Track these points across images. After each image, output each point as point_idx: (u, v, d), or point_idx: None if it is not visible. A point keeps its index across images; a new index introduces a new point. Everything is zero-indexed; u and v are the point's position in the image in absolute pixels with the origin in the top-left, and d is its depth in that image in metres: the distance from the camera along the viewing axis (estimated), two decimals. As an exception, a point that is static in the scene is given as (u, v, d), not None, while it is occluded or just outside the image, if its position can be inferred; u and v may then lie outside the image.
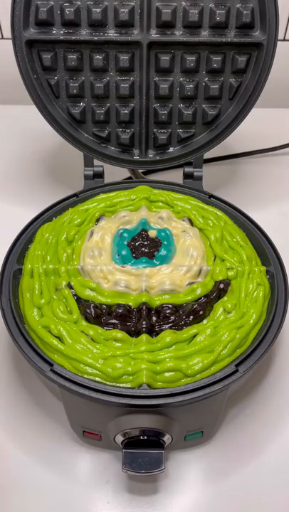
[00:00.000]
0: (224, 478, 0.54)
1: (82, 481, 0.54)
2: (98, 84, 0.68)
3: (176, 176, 0.74)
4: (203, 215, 0.65)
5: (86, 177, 0.73)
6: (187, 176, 0.73)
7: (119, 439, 0.50)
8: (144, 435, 0.49)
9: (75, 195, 0.69)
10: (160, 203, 0.67)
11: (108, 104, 0.69)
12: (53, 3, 0.63)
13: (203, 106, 0.70)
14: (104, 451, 0.56)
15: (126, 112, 0.69)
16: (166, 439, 0.50)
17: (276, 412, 0.59)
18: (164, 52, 0.66)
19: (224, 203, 0.68)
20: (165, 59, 0.66)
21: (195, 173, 0.73)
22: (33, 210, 0.66)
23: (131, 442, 0.49)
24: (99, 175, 0.73)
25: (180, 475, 0.54)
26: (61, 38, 0.64)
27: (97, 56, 0.66)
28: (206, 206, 0.67)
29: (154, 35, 0.65)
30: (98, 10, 0.63)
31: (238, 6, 0.63)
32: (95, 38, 0.64)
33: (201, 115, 0.70)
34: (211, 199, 0.69)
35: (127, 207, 0.66)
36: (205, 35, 0.65)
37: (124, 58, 0.66)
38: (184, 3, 0.63)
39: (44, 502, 0.52)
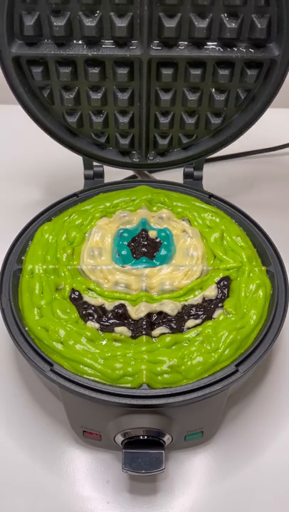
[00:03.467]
0: (224, 478, 0.54)
1: (82, 481, 0.54)
2: (95, 97, 0.63)
3: (176, 175, 0.74)
4: (203, 215, 0.65)
5: (86, 177, 0.73)
6: (187, 175, 0.73)
7: (119, 439, 0.50)
8: (144, 435, 0.49)
9: (75, 195, 0.69)
10: (160, 203, 0.67)
11: (106, 112, 0.66)
12: (39, 13, 0.55)
13: (207, 114, 0.66)
14: (104, 451, 0.56)
15: (125, 120, 0.66)
16: (166, 439, 0.50)
17: (276, 412, 0.59)
18: (166, 65, 0.60)
19: (224, 202, 0.68)
20: (167, 73, 0.60)
21: (195, 173, 0.73)
22: (33, 209, 0.66)
23: (131, 442, 0.49)
24: (99, 175, 0.73)
25: (180, 475, 0.54)
26: (52, 52, 0.58)
27: (93, 70, 0.60)
28: (206, 206, 0.67)
29: (156, 48, 0.58)
30: (92, 24, 0.56)
31: (253, 16, 0.55)
32: (90, 54, 0.59)
33: (204, 123, 0.67)
34: (211, 199, 0.68)
35: (127, 207, 0.66)
36: (213, 47, 0.58)
37: (122, 73, 0.60)
38: (190, 13, 0.56)
39: (44, 502, 0.52)
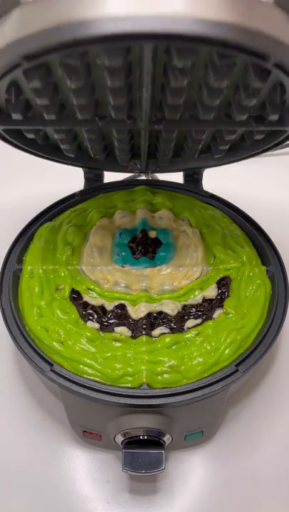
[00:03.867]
0: (224, 478, 0.54)
1: (82, 481, 0.54)
2: (93, 140, 0.58)
3: (176, 175, 0.74)
4: (203, 216, 0.65)
5: (86, 177, 0.73)
6: (187, 176, 0.73)
7: (119, 439, 0.50)
8: (144, 435, 0.49)
9: (74, 195, 0.69)
10: (160, 203, 0.67)
11: (105, 143, 0.61)
12: (26, 97, 0.47)
13: (210, 143, 0.63)
14: (104, 451, 0.56)
15: (125, 147, 0.61)
16: (166, 439, 0.50)
17: (276, 412, 0.59)
18: (168, 129, 0.55)
19: (224, 203, 0.68)
20: (170, 135, 0.56)
21: (195, 175, 0.73)
22: (32, 209, 0.66)
23: (131, 442, 0.49)
24: (99, 175, 0.73)
25: (180, 475, 0.54)
26: (44, 128, 0.53)
27: (91, 135, 0.56)
28: (206, 206, 0.67)
29: (157, 123, 0.52)
30: (85, 110, 0.48)
31: (266, 102, 0.47)
32: (86, 129, 0.54)
33: (206, 149, 0.64)
34: (211, 199, 0.68)
35: (127, 207, 0.66)
36: (220, 120, 0.51)
37: (121, 131, 0.55)
38: (195, 95, 0.48)
39: (44, 502, 0.52)
